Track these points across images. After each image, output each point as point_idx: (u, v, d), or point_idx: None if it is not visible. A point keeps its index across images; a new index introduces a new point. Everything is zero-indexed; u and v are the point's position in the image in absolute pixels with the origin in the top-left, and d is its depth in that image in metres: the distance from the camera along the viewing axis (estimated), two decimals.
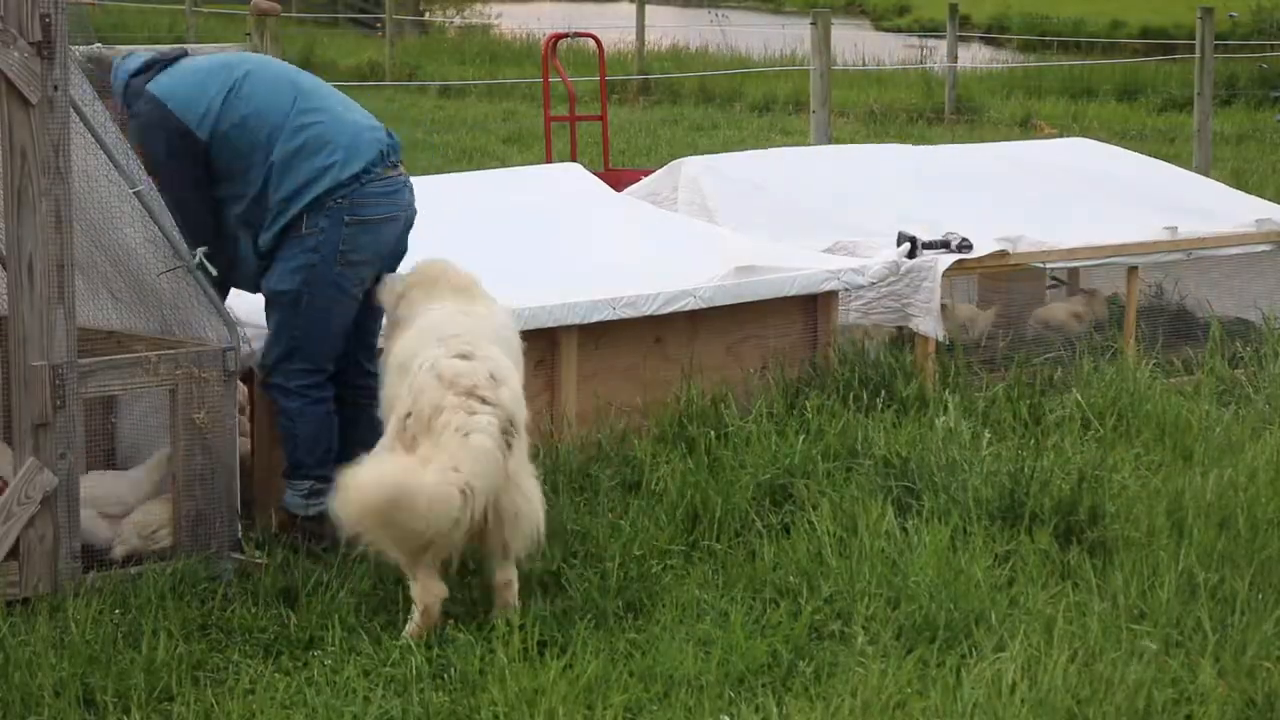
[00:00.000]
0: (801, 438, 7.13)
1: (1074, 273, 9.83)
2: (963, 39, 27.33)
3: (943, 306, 8.53)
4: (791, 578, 6.03)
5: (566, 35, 14.89)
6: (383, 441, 5.90)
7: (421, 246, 6.70)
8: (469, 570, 6.12)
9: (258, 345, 6.49)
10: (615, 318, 7.40)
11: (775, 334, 8.04)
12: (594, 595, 5.87)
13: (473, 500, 5.58)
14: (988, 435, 7.24)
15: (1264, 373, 8.70)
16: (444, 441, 5.64)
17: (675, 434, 7.31)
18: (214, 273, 6.19)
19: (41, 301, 5.77)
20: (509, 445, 5.74)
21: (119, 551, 6.19)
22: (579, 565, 6.09)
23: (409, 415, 5.77)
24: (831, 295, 8.14)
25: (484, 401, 5.72)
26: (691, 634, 5.62)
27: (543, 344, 7.26)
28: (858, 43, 29.38)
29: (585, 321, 7.32)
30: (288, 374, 6.43)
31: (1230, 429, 7.63)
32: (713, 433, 7.25)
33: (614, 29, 26.67)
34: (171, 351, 6.12)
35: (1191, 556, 6.06)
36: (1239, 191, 11.00)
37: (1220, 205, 10.05)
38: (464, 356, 5.84)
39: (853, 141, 19.58)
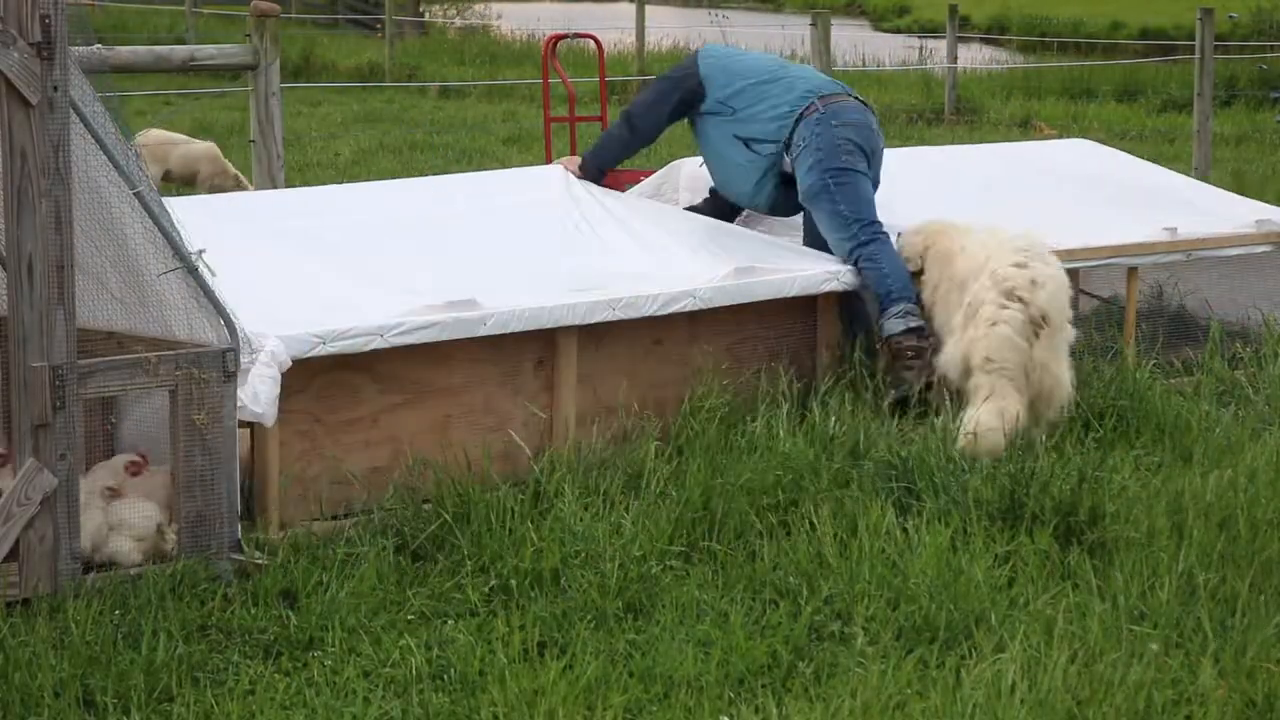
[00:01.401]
0: (802, 438, 7.13)
1: (1074, 274, 9.81)
2: (962, 40, 27.35)
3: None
4: (791, 578, 6.04)
5: (566, 36, 14.85)
6: (957, 319, 7.68)
7: (428, 247, 6.70)
8: (468, 571, 6.13)
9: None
10: (615, 318, 7.39)
11: (775, 334, 8.03)
12: (594, 596, 5.87)
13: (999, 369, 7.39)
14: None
15: (1264, 373, 8.70)
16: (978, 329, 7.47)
17: (675, 435, 7.31)
18: (214, 273, 6.20)
19: (41, 302, 5.77)
20: (1035, 335, 7.42)
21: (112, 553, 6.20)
22: (579, 566, 6.09)
23: (970, 304, 7.57)
24: (831, 295, 8.14)
25: (1020, 300, 7.43)
26: (691, 635, 5.62)
27: (542, 344, 7.26)
28: (857, 43, 29.42)
29: (585, 322, 7.31)
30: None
31: (1230, 430, 7.64)
32: (712, 433, 7.25)
33: (614, 30, 26.70)
34: (171, 352, 6.12)
35: (1191, 557, 6.06)
36: (1238, 196, 10.99)
37: (1220, 208, 10.04)
38: (1019, 265, 7.54)
39: None
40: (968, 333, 7.53)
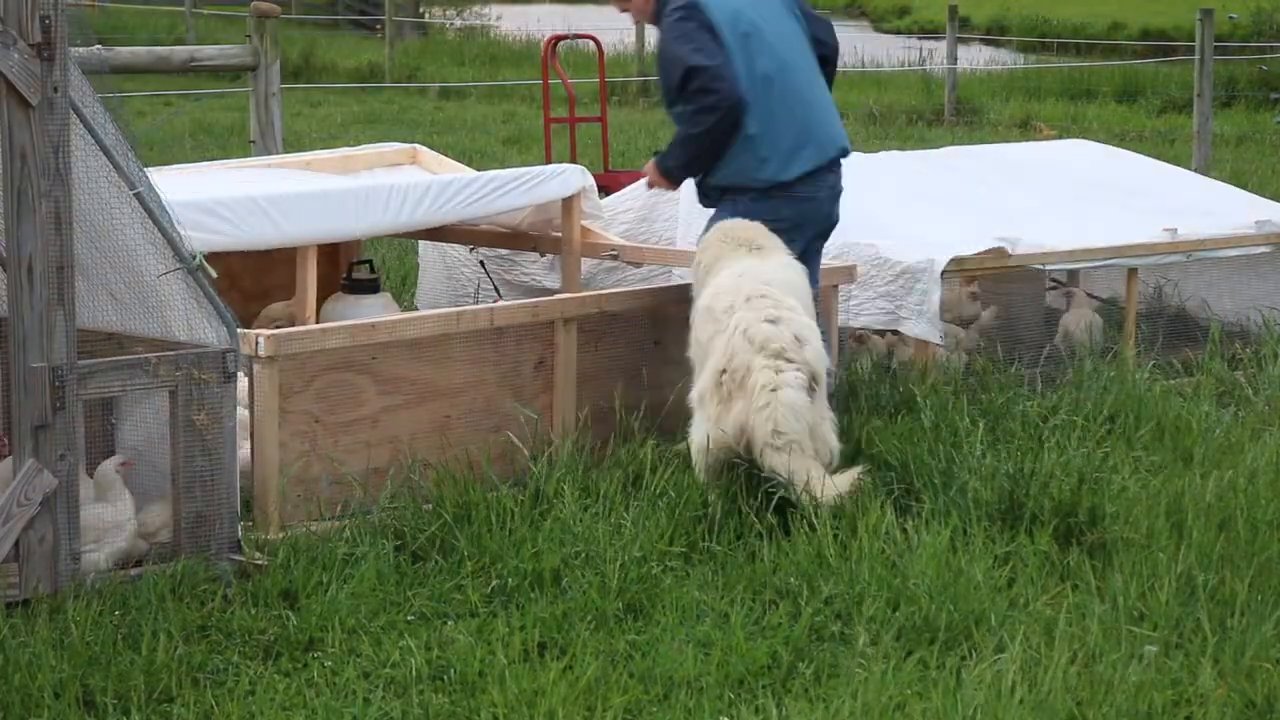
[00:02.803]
0: None
1: (1074, 274, 9.82)
2: (962, 40, 27.33)
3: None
4: (791, 579, 6.03)
5: (566, 37, 14.87)
6: (699, 389, 6.83)
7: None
8: (468, 571, 6.13)
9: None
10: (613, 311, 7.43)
11: None
12: (594, 597, 5.87)
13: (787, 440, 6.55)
14: (984, 433, 7.24)
15: (1263, 374, 8.71)
16: (757, 398, 6.58)
17: (675, 435, 7.31)
18: (213, 274, 6.20)
19: (41, 303, 5.77)
20: (812, 396, 6.66)
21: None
22: (579, 567, 6.09)
23: (724, 372, 6.69)
24: (831, 295, 8.13)
25: (790, 360, 6.64)
26: (691, 636, 5.62)
27: (542, 345, 7.27)
28: (857, 44, 29.39)
29: None
30: None
31: (1230, 430, 7.64)
32: None
33: (614, 30, 26.64)
34: (171, 353, 6.12)
35: (1191, 558, 6.06)
36: (1239, 189, 10.99)
37: (1220, 205, 10.04)
38: (771, 321, 6.73)
39: (852, 143, 19.59)
40: (737, 406, 6.64)
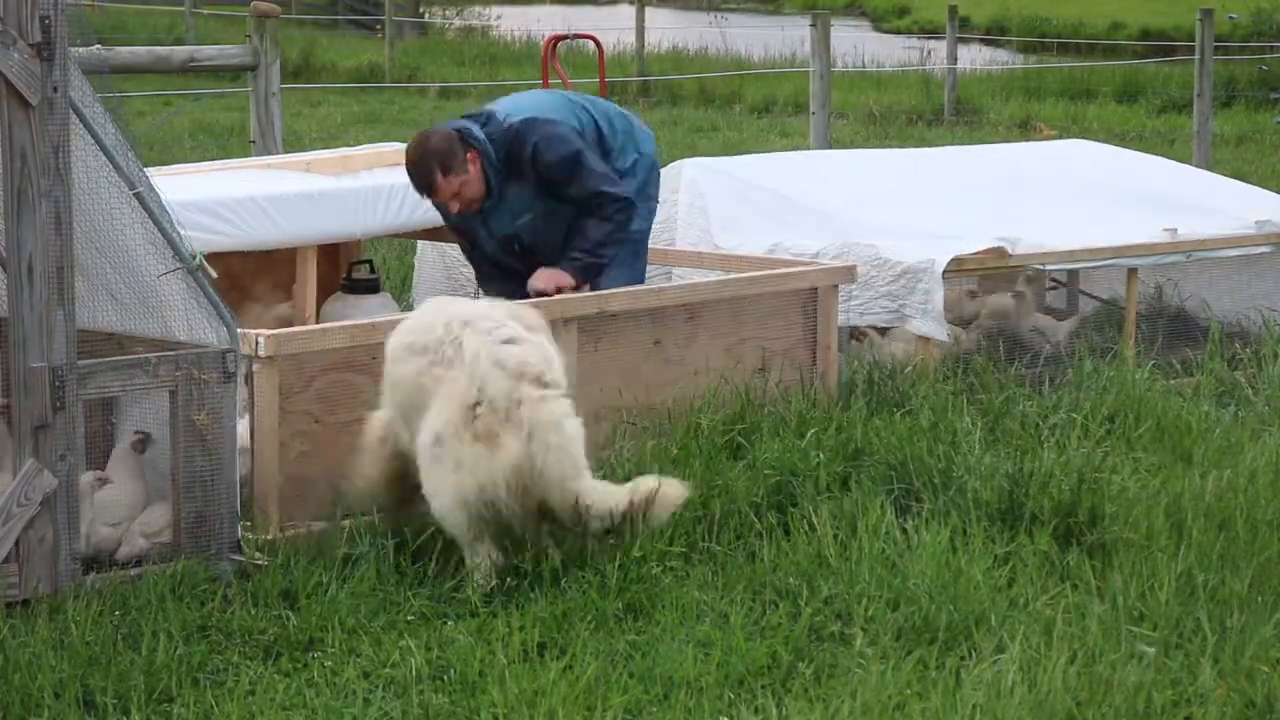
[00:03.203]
0: (801, 439, 7.12)
1: (1074, 274, 9.82)
2: (962, 40, 27.34)
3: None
4: (791, 579, 6.04)
5: (566, 37, 14.86)
6: (440, 430, 5.96)
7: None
8: (468, 571, 6.13)
9: None
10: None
11: (775, 334, 8.03)
12: (593, 597, 5.87)
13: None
14: (981, 433, 7.24)
15: (1263, 374, 8.71)
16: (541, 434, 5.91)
17: (675, 435, 7.31)
18: (213, 274, 6.21)
19: (41, 303, 5.77)
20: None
21: (123, 552, 6.22)
22: (578, 566, 6.09)
23: (478, 405, 5.92)
24: (832, 295, 8.13)
25: (548, 385, 6.02)
26: (691, 636, 5.62)
27: None
28: (857, 44, 29.42)
29: None
30: None
31: (1230, 431, 7.64)
32: (716, 434, 7.25)
33: (614, 31, 26.68)
34: (171, 353, 6.12)
35: (1191, 558, 6.07)
36: (1238, 182, 10.98)
37: (1220, 201, 10.03)
38: (511, 342, 6.04)
39: (852, 143, 19.61)
40: (509, 443, 5.97)
